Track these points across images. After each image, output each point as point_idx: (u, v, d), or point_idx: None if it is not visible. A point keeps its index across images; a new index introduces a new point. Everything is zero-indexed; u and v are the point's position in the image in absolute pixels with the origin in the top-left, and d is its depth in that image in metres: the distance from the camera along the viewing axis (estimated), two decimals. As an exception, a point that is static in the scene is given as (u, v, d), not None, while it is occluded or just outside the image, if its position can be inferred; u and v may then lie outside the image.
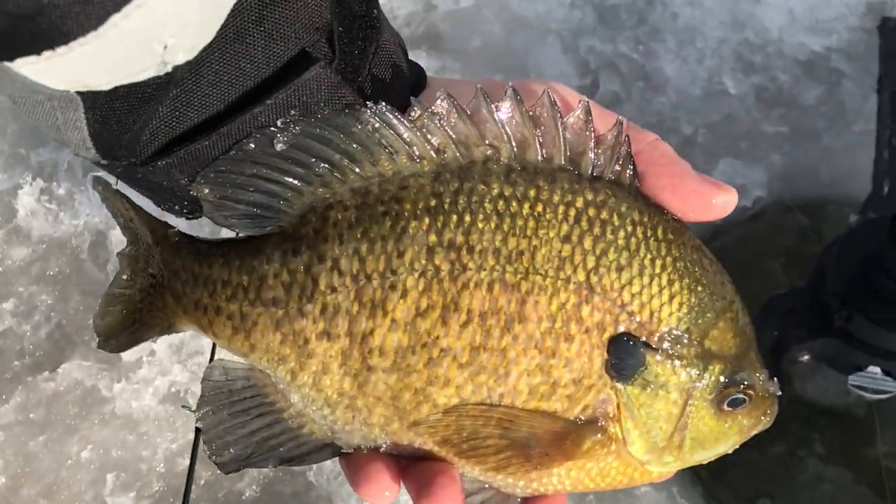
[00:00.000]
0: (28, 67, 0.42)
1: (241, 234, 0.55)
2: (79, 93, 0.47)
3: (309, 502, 1.19)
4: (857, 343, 1.06)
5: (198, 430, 1.06)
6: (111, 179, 0.58)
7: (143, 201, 0.58)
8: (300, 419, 0.55)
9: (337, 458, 0.57)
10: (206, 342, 1.23)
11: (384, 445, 0.55)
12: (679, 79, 1.46)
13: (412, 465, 0.54)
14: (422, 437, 0.53)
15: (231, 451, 0.55)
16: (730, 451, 0.56)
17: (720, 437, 0.54)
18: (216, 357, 0.62)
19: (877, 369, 1.07)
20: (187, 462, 1.01)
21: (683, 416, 0.53)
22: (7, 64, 0.42)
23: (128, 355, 1.26)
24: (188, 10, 0.44)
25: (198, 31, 0.46)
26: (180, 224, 0.59)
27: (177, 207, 0.57)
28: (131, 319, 0.58)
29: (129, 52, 0.44)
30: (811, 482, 1.26)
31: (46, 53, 0.42)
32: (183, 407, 1.19)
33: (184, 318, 0.56)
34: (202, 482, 1.22)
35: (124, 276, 0.59)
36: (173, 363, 1.26)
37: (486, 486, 0.55)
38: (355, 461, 0.55)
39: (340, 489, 1.18)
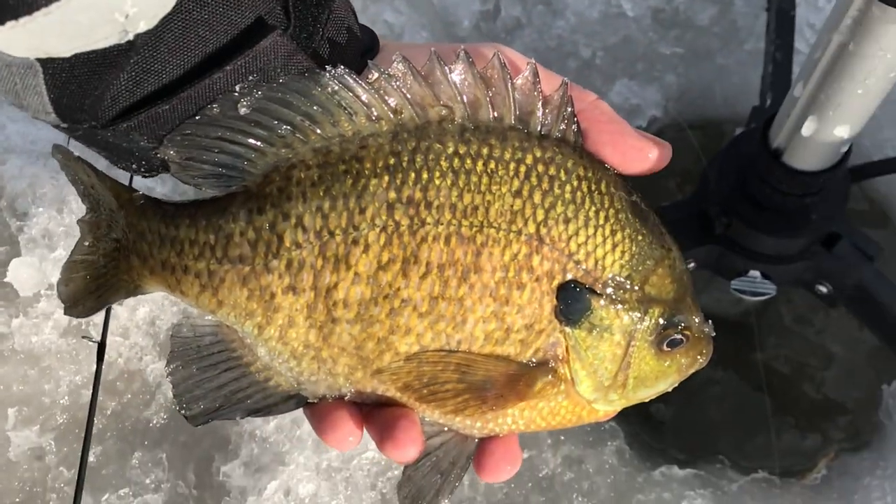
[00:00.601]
0: None
1: (207, 194, 0.56)
2: (38, 59, 0.47)
3: (216, 425, 1.21)
4: (737, 248, 1.10)
5: (99, 363, 1.06)
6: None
7: (98, 161, 0.58)
8: (267, 372, 0.57)
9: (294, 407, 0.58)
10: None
11: (348, 394, 0.57)
12: (578, 3, 1.47)
13: (374, 412, 0.56)
14: (384, 384, 0.55)
15: (200, 404, 0.57)
16: (669, 390, 0.59)
17: (661, 375, 0.57)
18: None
19: (756, 273, 1.12)
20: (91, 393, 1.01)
21: (627, 357, 0.55)
22: None
23: (25, 290, 1.24)
24: None
25: (158, 1, 0.47)
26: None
27: (134, 167, 0.58)
28: (95, 284, 0.59)
29: (91, 20, 0.45)
30: (703, 385, 1.33)
31: (10, 23, 0.42)
32: (83, 338, 1.18)
33: (150, 279, 0.57)
34: (108, 412, 1.22)
35: (86, 243, 0.60)
36: (73, 296, 1.24)
37: (446, 428, 0.58)
38: (319, 410, 0.57)
39: (246, 411, 1.19)
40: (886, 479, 1.18)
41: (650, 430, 1.27)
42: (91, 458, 1.18)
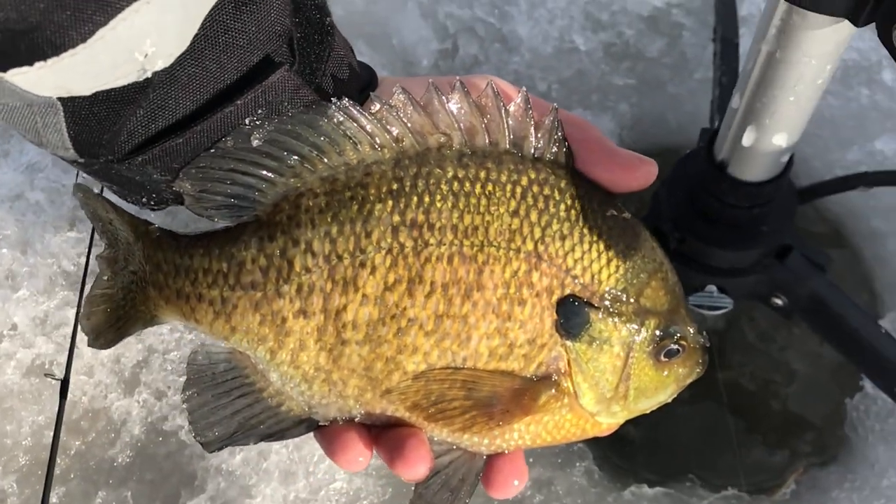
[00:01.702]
0: (20, 77, 0.46)
1: (220, 225, 0.59)
2: (60, 98, 0.50)
3: (182, 461, 1.19)
4: (692, 264, 1.13)
5: (62, 400, 1.05)
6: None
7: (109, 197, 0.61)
8: (279, 397, 0.58)
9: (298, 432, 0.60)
10: (71, 314, 1.22)
11: (358, 416, 0.58)
12: (532, 39, 1.52)
13: (383, 433, 0.58)
14: (394, 404, 0.57)
15: (215, 431, 0.58)
16: (669, 401, 0.61)
17: (660, 386, 0.59)
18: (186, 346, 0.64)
19: (713, 287, 1.14)
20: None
21: (626, 368, 0.57)
22: (0, 74, 0.46)
23: (-13, 331, 1.24)
24: (167, 22, 0.48)
25: (175, 41, 0.50)
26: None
27: (144, 200, 0.60)
28: (115, 316, 0.61)
29: (113, 60, 0.48)
30: (670, 406, 1.33)
31: (38, 64, 0.45)
32: (46, 375, 1.18)
33: (166, 309, 0.59)
34: (72, 452, 1.20)
35: (105, 277, 0.62)
36: (37, 335, 1.24)
37: (454, 447, 0.59)
38: (329, 433, 0.58)
39: (212, 445, 1.18)
40: (854, 492, 1.18)
41: (619, 451, 1.27)
42: (54, 500, 1.16)
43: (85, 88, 0.50)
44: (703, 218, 1.09)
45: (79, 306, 1.08)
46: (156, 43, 0.49)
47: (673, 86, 1.50)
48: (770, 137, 0.92)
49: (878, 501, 1.15)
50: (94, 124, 0.52)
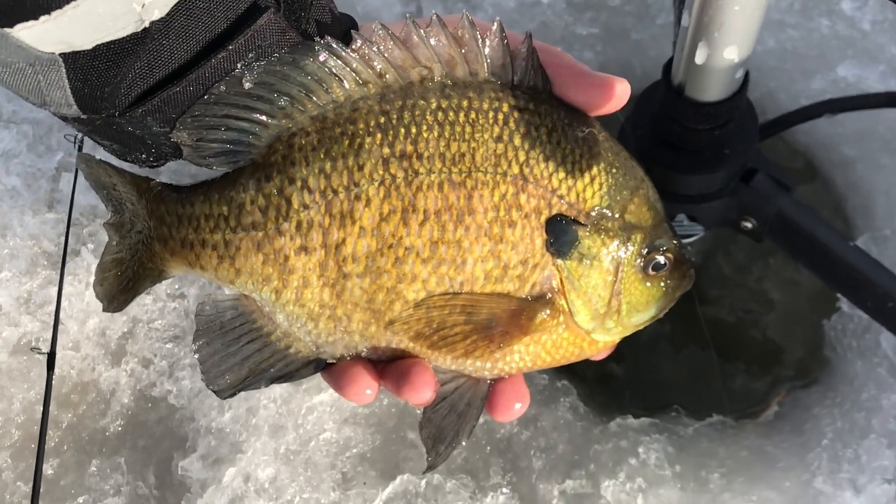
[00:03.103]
0: (25, 32, 0.48)
1: (218, 172, 0.61)
2: (61, 54, 0.52)
3: (173, 425, 1.21)
4: (660, 193, 1.14)
5: (49, 373, 1.07)
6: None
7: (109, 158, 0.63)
8: (287, 339, 0.60)
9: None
10: (53, 292, 1.23)
11: (364, 351, 0.60)
12: (494, -6, 1.53)
13: (388, 367, 0.60)
14: (397, 335, 0.59)
15: (227, 377, 0.60)
16: (660, 315, 0.63)
17: (651, 299, 0.61)
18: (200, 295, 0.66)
19: (683, 216, 1.16)
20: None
21: (617, 283, 0.59)
22: (6, 30, 0.48)
23: (-28, 312, 1.25)
24: None
25: None
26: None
27: (143, 156, 0.62)
28: (125, 278, 0.63)
29: (113, 11, 0.50)
30: (652, 342, 1.35)
31: (43, 17, 0.48)
32: (32, 349, 1.19)
33: (172, 261, 0.61)
34: (64, 425, 1.22)
35: (113, 243, 0.65)
36: (21, 314, 1.26)
37: (459, 374, 0.61)
38: (337, 370, 0.61)
39: (202, 405, 1.20)
40: (836, 407, 1.20)
41: (603, 386, 1.29)
42: (49, 472, 1.17)
43: (86, 42, 0.51)
44: (666, 146, 1.10)
45: (60, 284, 1.10)
46: None
47: (636, 32, 1.52)
48: (721, 52, 0.94)
49: (858, 414, 1.17)
50: (95, 78, 0.54)
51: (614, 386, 1.29)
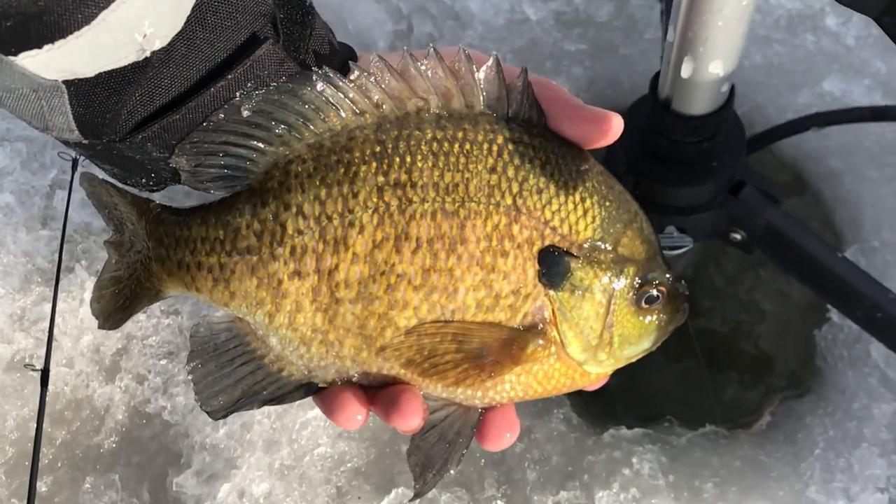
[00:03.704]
0: (29, 60, 0.49)
1: (216, 196, 0.61)
2: (64, 81, 0.53)
3: (167, 441, 1.21)
4: (649, 205, 1.15)
5: (43, 389, 1.07)
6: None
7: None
8: (279, 362, 0.61)
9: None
10: (47, 309, 1.23)
11: (356, 376, 0.60)
12: (484, 13, 1.55)
13: (379, 393, 0.60)
14: (388, 361, 0.59)
15: (220, 399, 0.61)
16: (653, 349, 0.63)
17: (643, 332, 0.61)
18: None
19: (672, 228, 1.17)
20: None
21: (609, 315, 0.59)
22: (11, 58, 0.49)
23: (-34, 330, 1.25)
24: (162, 4, 0.52)
25: (170, 21, 0.54)
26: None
27: (143, 181, 0.64)
28: (122, 297, 0.64)
29: (115, 41, 0.51)
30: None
31: (47, 46, 0.48)
32: (25, 366, 1.19)
33: (168, 282, 0.62)
34: (58, 442, 1.22)
35: (112, 261, 0.66)
36: (15, 331, 1.26)
37: (450, 403, 0.61)
38: (327, 395, 0.61)
39: (196, 421, 1.20)
40: (827, 416, 1.21)
41: (596, 398, 1.29)
42: (43, 489, 1.17)
43: (89, 70, 0.52)
44: (655, 158, 1.12)
45: (54, 301, 1.11)
46: (153, 24, 0.52)
47: (624, 48, 1.54)
48: (706, 66, 0.95)
49: (850, 423, 1.18)
50: (97, 105, 0.55)
51: (607, 397, 1.30)
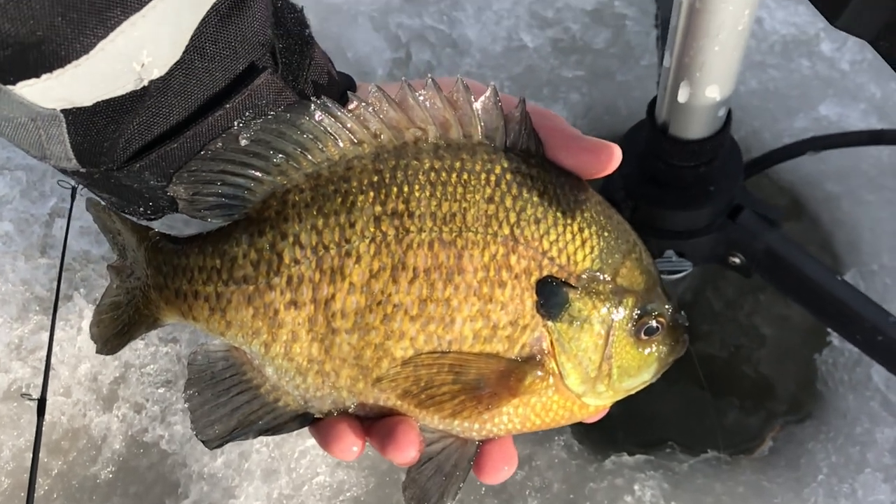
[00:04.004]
0: (27, 89, 0.49)
1: (213, 225, 0.61)
2: (63, 110, 0.53)
3: (165, 471, 1.20)
4: (647, 230, 1.15)
5: (40, 419, 1.06)
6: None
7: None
8: (276, 393, 0.60)
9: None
10: (45, 338, 1.23)
11: (352, 407, 0.60)
12: (481, 40, 1.57)
13: (375, 424, 0.60)
14: (385, 392, 0.59)
15: (215, 428, 0.60)
16: (653, 381, 0.62)
17: (643, 364, 0.60)
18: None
19: (671, 252, 1.17)
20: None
21: (608, 346, 0.59)
22: (9, 87, 0.49)
23: (-38, 359, 1.24)
24: (161, 33, 0.52)
25: (169, 51, 0.53)
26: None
27: (141, 209, 0.63)
28: (120, 323, 0.64)
29: (114, 70, 0.51)
30: (645, 379, 1.35)
31: (45, 75, 0.49)
32: (22, 395, 1.19)
33: (166, 310, 0.62)
34: (54, 473, 1.20)
35: (114, 286, 0.66)
36: (12, 360, 1.25)
37: (447, 435, 0.60)
38: (323, 426, 0.60)
39: (194, 450, 1.19)
40: (830, 441, 1.20)
41: (597, 425, 1.28)
42: (38, 520, 1.16)
43: (87, 99, 0.53)
44: (653, 183, 1.12)
45: (52, 329, 1.10)
46: (152, 53, 0.52)
47: (621, 74, 1.55)
48: (703, 91, 0.96)
49: (852, 448, 1.17)
50: (95, 133, 0.55)
51: (608, 423, 1.28)
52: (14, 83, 0.48)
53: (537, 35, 1.57)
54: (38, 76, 0.48)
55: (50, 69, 0.48)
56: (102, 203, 0.65)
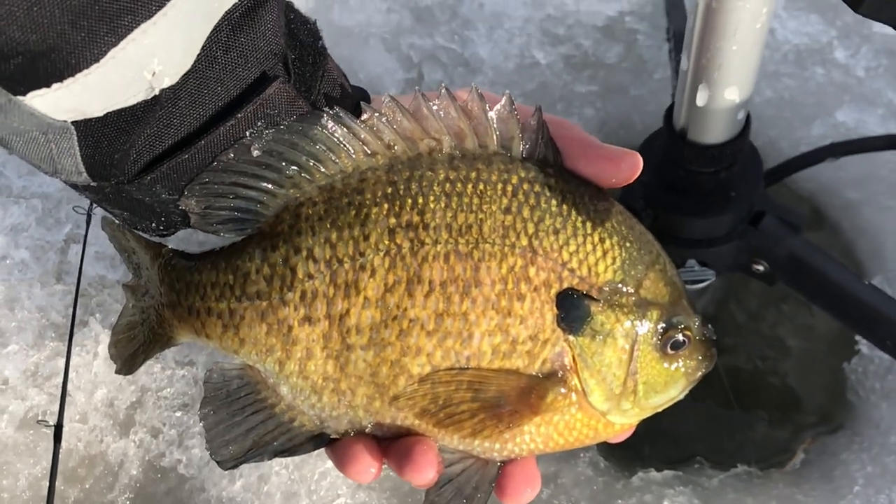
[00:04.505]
0: (38, 99, 0.49)
1: (226, 240, 0.61)
2: (73, 122, 0.53)
3: (183, 496, 1.18)
4: (668, 239, 1.14)
5: (56, 445, 1.05)
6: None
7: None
8: (291, 413, 0.59)
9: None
10: (61, 364, 1.22)
11: (369, 426, 0.58)
12: (493, 58, 1.57)
13: (392, 445, 0.58)
14: (402, 411, 0.57)
15: (230, 448, 0.59)
16: (680, 397, 0.60)
17: (669, 379, 0.58)
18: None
19: (693, 261, 1.15)
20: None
21: (633, 361, 0.57)
22: (19, 98, 0.48)
23: (-22, 387, 1.23)
24: (172, 41, 0.51)
25: (180, 59, 0.53)
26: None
27: (153, 225, 0.63)
28: (137, 343, 0.64)
29: (124, 79, 0.51)
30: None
31: (55, 85, 0.48)
32: (39, 422, 1.17)
33: (179, 328, 0.61)
34: (70, 501, 1.18)
35: (130, 305, 0.65)
36: (28, 387, 1.24)
37: (467, 455, 0.58)
38: (340, 448, 0.59)
39: (212, 474, 1.17)
40: (864, 452, 1.17)
41: (622, 442, 1.25)
42: (55, 549, 1.14)
43: (98, 109, 0.52)
44: (673, 191, 1.11)
45: (68, 356, 1.09)
46: (163, 61, 0.51)
47: (635, 88, 1.54)
48: (722, 93, 0.95)
49: (888, 458, 1.14)
50: (106, 145, 0.54)
51: (633, 440, 1.25)
52: (24, 93, 0.48)
53: (549, 52, 1.56)
54: (48, 86, 0.48)
55: (60, 78, 0.48)
56: (117, 222, 0.64)
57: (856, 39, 1.54)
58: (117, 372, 0.66)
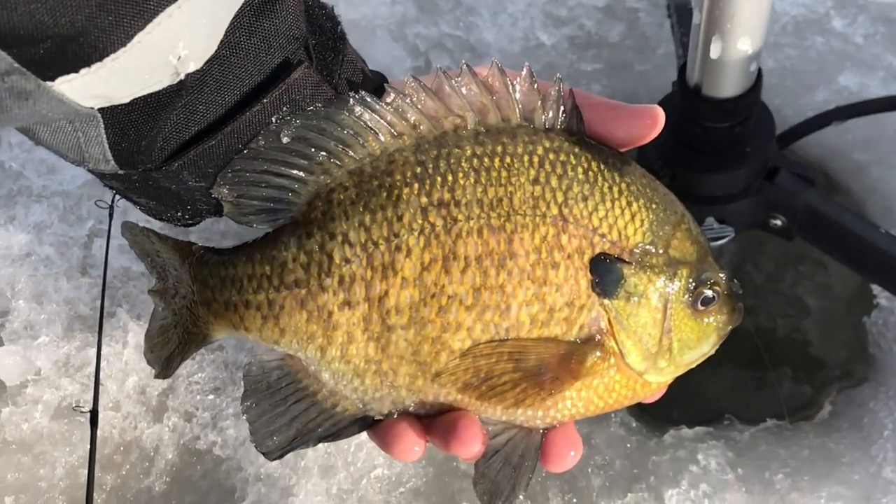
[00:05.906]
0: (66, 85, 0.48)
1: (259, 231, 0.61)
2: (100, 109, 0.53)
3: (220, 477, 1.18)
4: (687, 197, 1.15)
5: (93, 429, 1.06)
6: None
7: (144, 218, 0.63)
8: (333, 398, 0.60)
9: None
10: (91, 354, 1.23)
11: (412, 406, 0.59)
12: (499, 42, 1.59)
13: (434, 422, 0.59)
14: (445, 387, 0.58)
15: (275, 439, 0.59)
16: (712, 352, 0.62)
17: (702, 335, 0.60)
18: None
19: (712, 219, 1.17)
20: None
21: (667, 320, 0.58)
22: (48, 84, 0.48)
23: (11, 379, 1.24)
24: (198, 25, 0.51)
25: (205, 43, 0.53)
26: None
27: (179, 214, 0.63)
28: (172, 345, 0.64)
29: (151, 64, 0.51)
30: (694, 356, 1.34)
31: (84, 70, 0.48)
32: (74, 408, 1.18)
33: (216, 325, 0.61)
34: (108, 488, 1.19)
35: (160, 309, 0.65)
36: (61, 377, 1.25)
37: (510, 426, 0.59)
38: (382, 428, 0.60)
39: (248, 453, 1.17)
40: (890, 399, 1.18)
41: (651, 404, 1.26)
42: (96, 535, 1.14)
43: (124, 95, 0.52)
44: (689, 148, 1.13)
45: (99, 345, 1.10)
46: (188, 45, 0.52)
47: (639, 64, 1.57)
48: (735, 43, 0.97)
49: (915, 402, 1.15)
50: (132, 132, 0.55)
51: (661, 401, 1.27)
52: (53, 79, 0.47)
53: (553, 33, 1.59)
54: (76, 71, 0.47)
55: (88, 63, 0.47)
56: (139, 226, 0.65)
57: (852, 9, 1.57)
58: (157, 377, 0.65)
